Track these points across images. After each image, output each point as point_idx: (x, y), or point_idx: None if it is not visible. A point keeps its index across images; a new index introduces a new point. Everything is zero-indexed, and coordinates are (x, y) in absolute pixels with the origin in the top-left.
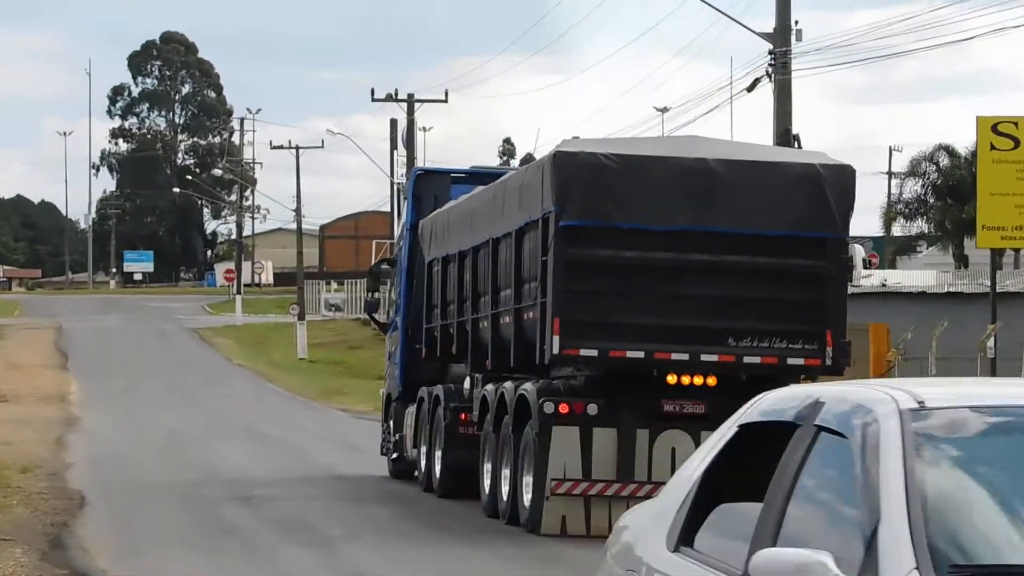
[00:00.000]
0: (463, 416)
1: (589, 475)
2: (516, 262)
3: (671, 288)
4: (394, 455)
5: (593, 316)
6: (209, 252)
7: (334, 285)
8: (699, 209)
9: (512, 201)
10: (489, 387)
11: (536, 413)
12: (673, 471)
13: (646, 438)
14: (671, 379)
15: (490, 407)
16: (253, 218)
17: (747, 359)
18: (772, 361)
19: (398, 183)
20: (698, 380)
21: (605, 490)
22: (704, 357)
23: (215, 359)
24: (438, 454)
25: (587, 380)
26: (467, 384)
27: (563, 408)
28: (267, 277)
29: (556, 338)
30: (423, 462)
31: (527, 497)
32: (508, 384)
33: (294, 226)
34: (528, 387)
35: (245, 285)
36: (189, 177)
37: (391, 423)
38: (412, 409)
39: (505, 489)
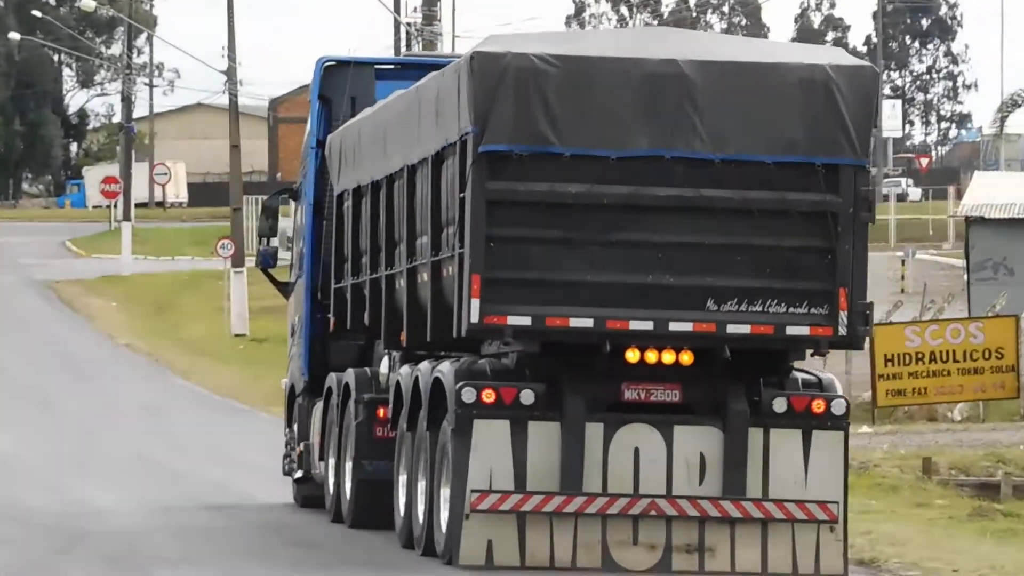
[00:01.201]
0: (380, 412)
1: (523, 486)
2: (433, 199)
3: (630, 234)
4: (298, 473)
5: (525, 272)
6: (74, 147)
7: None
8: (668, 128)
9: (428, 115)
10: (404, 370)
11: (453, 403)
12: (637, 479)
13: (599, 435)
14: (631, 356)
15: (404, 398)
16: (152, 86)
17: (732, 328)
18: (766, 331)
19: (410, 24)
20: (668, 357)
21: (543, 505)
22: (675, 326)
23: (86, 336)
24: (348, 467)
25: (520, 359)
26: (383, 367)
27: (487, 395)
28: (177, 191)
29: (475, 302)
30: (331, 480)
31: (443, 517)
32: (424, 365)
33: (224, 101)
34: (444, 368)
35: (138, 205)
36: (37, 14)
37: (294, 428)
38: (320, 406)
39: (420, 508)
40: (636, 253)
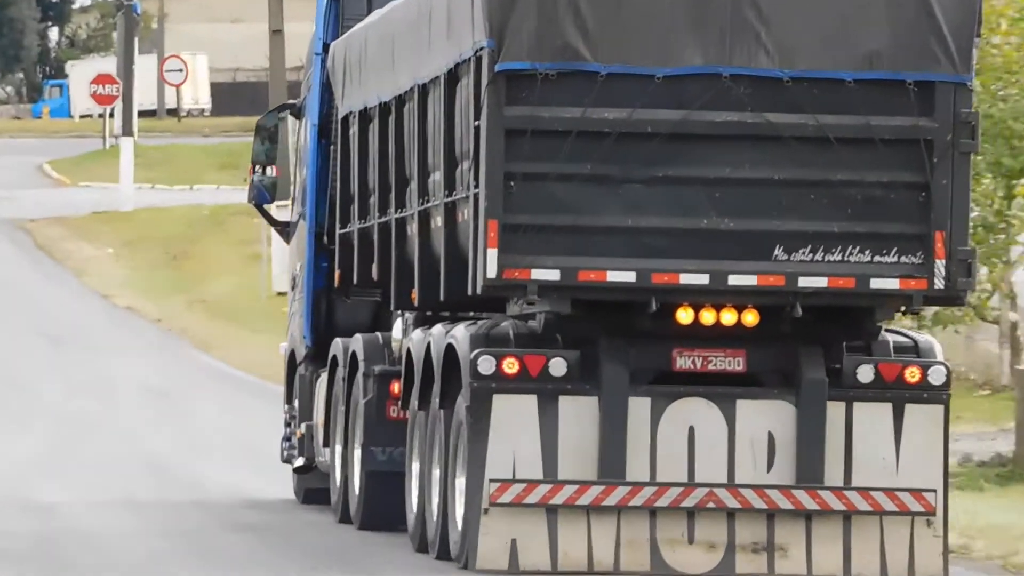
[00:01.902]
0: (395, 388)
1: (554, 473)
2: (447, 127)
3: (679, 168)
4: (298, 461)
5: (552, 216)
6: (54, 33)
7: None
8: (726, 40)
9: (439, 25)
10: (415, 335)
11: (468, 375)
12: (692, 465)
13: (646, 412)
14: (683, 316)
15: (415, 369)
16: None
17: (805, 281)
18: (846, 284)
19: None
20: (729, 317)
21: (579, 496)
22: (735, 279)
23: (73, 295)
24: (356, 455)
25: (549, 321)
26: (396, 331)
27: (509, 365)
28: (196, 94)
29: (492, 252)
30: (337, 471)
31: (458, 512)
32: (437, 330)
33: None
34: (458, 333)
35: (143, 115)
36: None
37: (295, 404)
38: (324, 379)
39: (435, 502)
40: (687, 192)
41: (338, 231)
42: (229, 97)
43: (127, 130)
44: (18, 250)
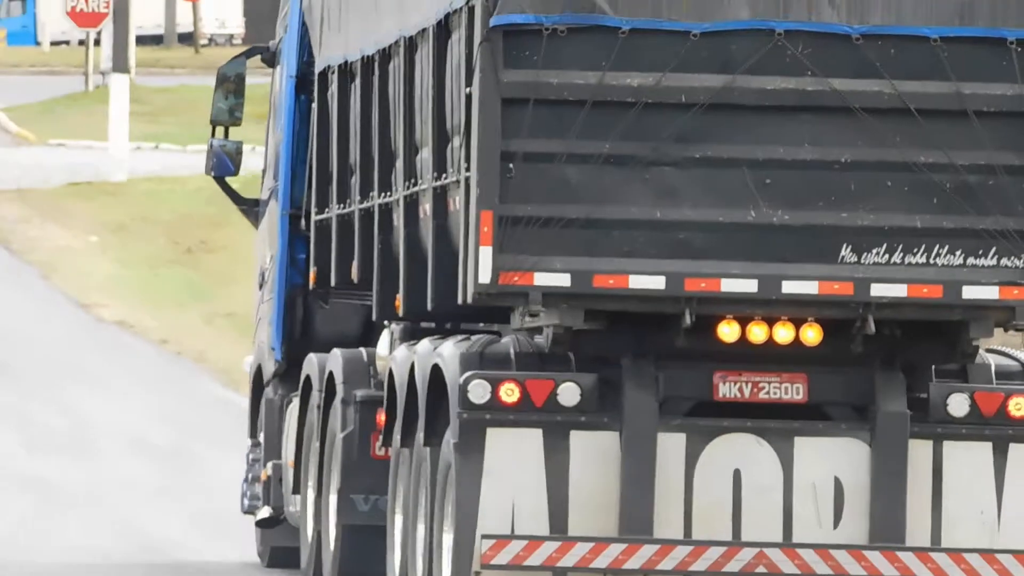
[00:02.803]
0: (380, 418)
1: (563, 528)
2: (437, 92)
3: (721, 147)
4: (263, 512)
5: (560, 206)
6: None
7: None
8: None
9: None
10: (399, 353)
11: (457, 403)
12: (738, 519)
13: (680, 451)
14: (726, 332)
15: (398, 395)
16: None
17: (880, 289)
18: (932, 292)
19: None
20: (784, 333)
21: (594, 558)
22: (791, 286)
23: (39, 303)
24: (332, 504)
25: (558, 337)
26: (381, 346)
27: (507, 392)
28: (223, 13)
29: (485, 251)
30: (309, 523)
31: (445, 572)
32: (423, 346)
33: None
34: (447, 351)
35: (143, 41)
36: None
37: (260, 437)
38: (296, 405)
39: (419, 566)
40: (731, 176)
41: (314, 217)
42: (270, 19)
43: (120, 64)
44: None
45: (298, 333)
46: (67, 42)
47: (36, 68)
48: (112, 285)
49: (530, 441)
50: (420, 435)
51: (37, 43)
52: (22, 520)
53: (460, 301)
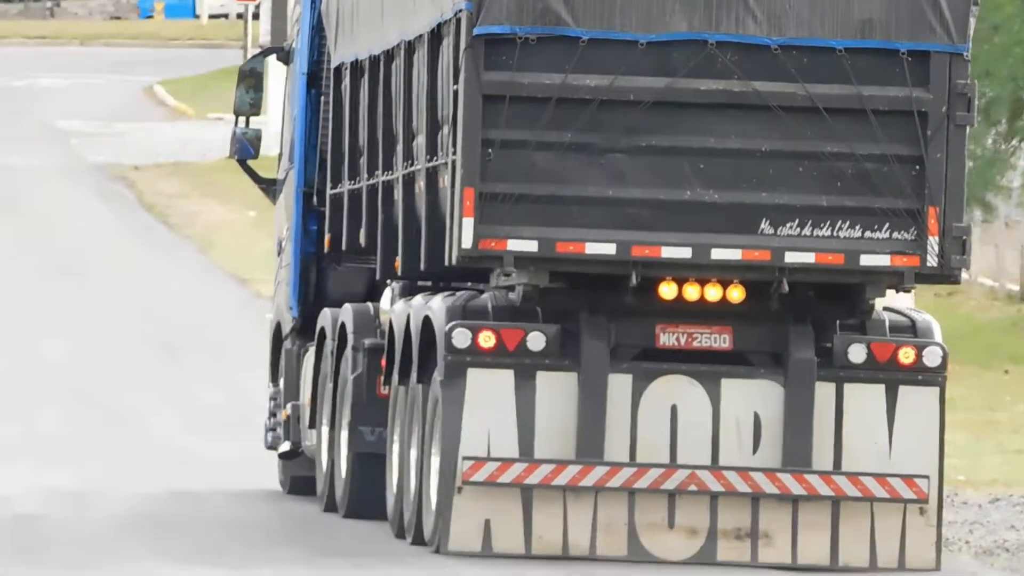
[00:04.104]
0: (384, 363)
1: (530, 452)
2: (430, 88)
3: (663, 137)
4: (284, 446)
5: (530, 185)
6: None
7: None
8: (710, 6)
9: None
10: (397, 307)
11: (443, 348)
12: (674, 446)
13: (627, 390)
14: (666, 291)
15: (396, 342)
16: None
17: (792, 256)
18: (835, 260)
19: None
20: (714, 292)
21: (555, 476)
22: (719, 253)
23: (198, 278)
24: (343, 437)
25: (528, 294)
26: (384, 302)
27: (484, 339)
28: None
29: (467, 222)
30: (323, 454)
31: (432, 493)
32: (417, 301)
33: None
34: (435, 305)
35: None
36: None
37: (280, 383)
38: (312, 354)
39: (412, 484)
40: (671, 162)
41: (329, 192)
42: None
43: (278, 38)
44: (116, 212)
45: (312, 293)
46: (225, 15)
47: (194, 41)
48: (271, 260)
49: (503, 380)
50: (413, 375)
51: (195, 16)
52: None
53: (447, 263)
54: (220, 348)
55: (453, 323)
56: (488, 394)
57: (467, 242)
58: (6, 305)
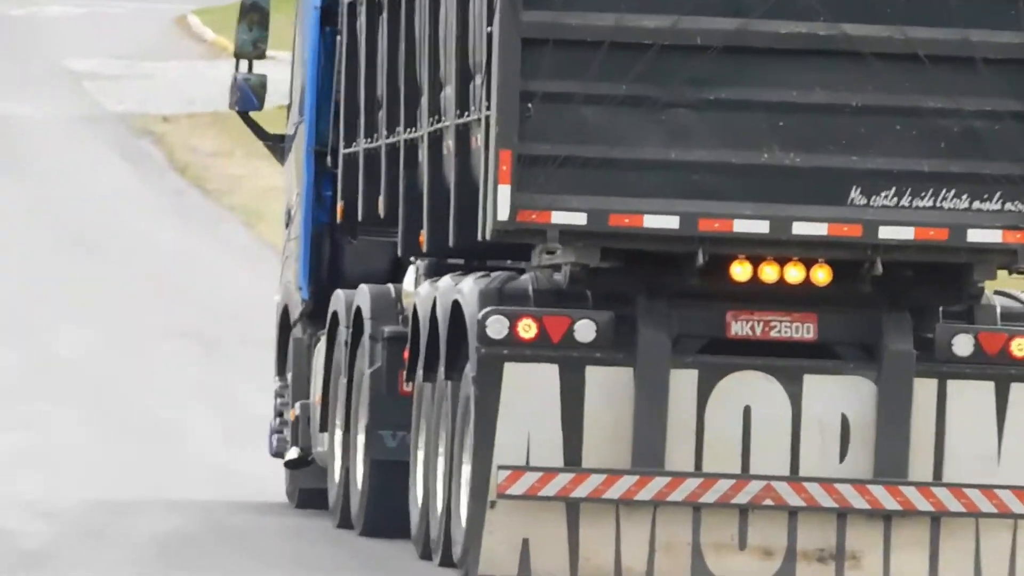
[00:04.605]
0: (408, 356)
1: (577, 460)
2: (460, 30)
3: (735, 90)
4: (291, 453)
5: (578, 146)
6: None
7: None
8: None
9: None
10: (423, 289)
11: (475, 338)
12: (747, 453)
13: (691, 388)
14: (739, 271)
15: (420, 331)
16: None
17: (888, 231)
18: (938, 235)
19: None
20: (795, 273)
21: (606, 488)
22: (801, 228)
23: (242, 255)
24: (359, 442)
25: (575, 275)
26: (407, 282)
27: (524, 328)
28: None
29: (504, 190)
30: (337, 462)
31: (463, 508)
32: (445, 282)
33: None
34: (466, 287)
35: None
36: None
37: (288, 377)
38: (324, 344)
39: (439, 497)
40: (744, 119)
41: (342, 151)
42: None
43: None
44: (141, 175)
45: (325, 271)
46: None
47: None
48: None
49: (546, 376)
50: (441, 369)
51: None
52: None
53: (480, 238)
54: (267, 343)
55: (487, 309)
56: (528, 392)
57: (503, 213)
58: (12, 288)
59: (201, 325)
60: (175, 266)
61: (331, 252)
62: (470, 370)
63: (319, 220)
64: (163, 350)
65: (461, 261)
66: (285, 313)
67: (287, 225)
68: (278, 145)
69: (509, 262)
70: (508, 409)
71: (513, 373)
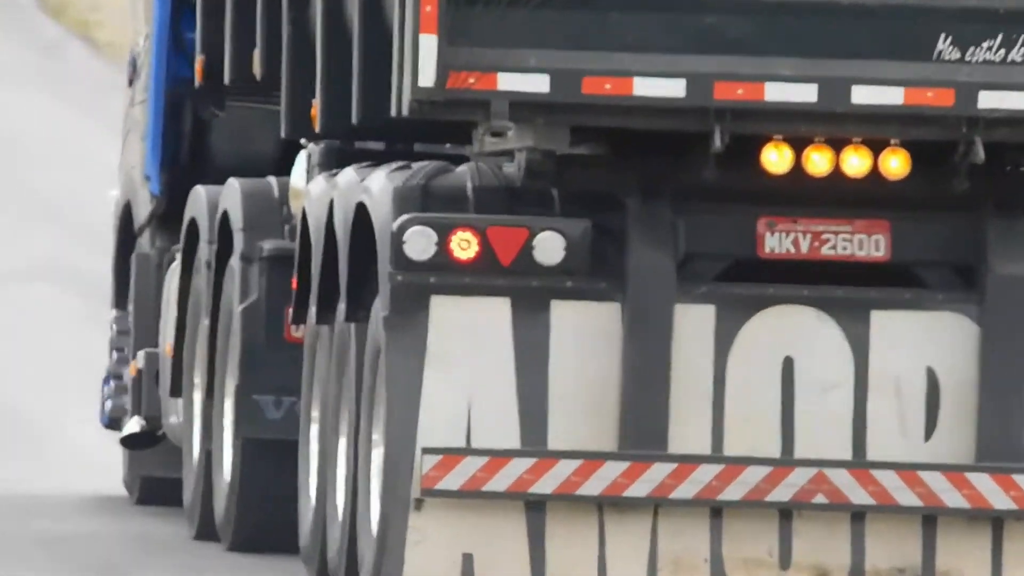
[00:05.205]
0: (297, 286)
1: (541, 439)
2: None
3: None
4: (130, 424)
5: None
6: None
7: None
8: None
9: None
10: (315, 186)
11: (390, 260)
12: (788, 426)
13: (707, 330)
14: (774, 161)
15: (313, 249)
16: None
17: (990, 98)
18: None
19: None
20: (855, 162)
21: (582, 480)
22: (864, 95)
23: None
24: (227, 410)
25: (534, 165)
26: (296, 176)
27: (460, 244)
28: None
29: (428, 41)
30: (196, 444)
31: (374, 508)
32: (346, 176)
33: None
34: (376, 184)
35: None
36: None
37: (130, 312)
38: (179, 267)
39: (340, 492)
40: None
41: None
42: None
43: None
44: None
45: (185, 153)
46: None
47: None
48: None
49: (493, 315)
50: (342, 307)
51: None
52: None
53: (393, 112)
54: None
55: (406, 217)
56: (467, 340)
57: (427, 77)
58: None
59: (88, 271)
60: (54, 171)
61: (194, 125)
62: (381, 307)
63: (178, 75)
64: (33, 304)
65: (374, 146)
66: (127, 215)
67: (131, 82)
68: None
69: (448, 147)
70: (438, 365)
71: (444, 311)
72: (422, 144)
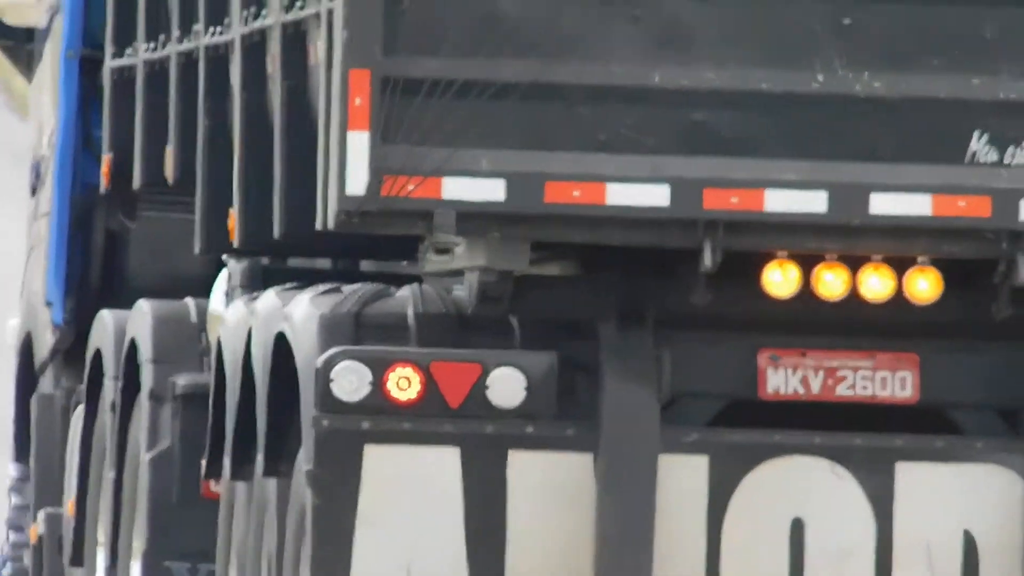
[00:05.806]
0: (212, 431)
1: None
2: None
3: None
4: None
5: (488, 64)
6: None
7: None
8: None
9: None
10: (232, 312)
11: (316, 402)
12: None
13: (701, 489)
14: (777, 280)
15: (228, 388)
16: None
17: None
18: None
19: None
20: (875, 283)
21: None
22: (884, 203)
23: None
24: (135, 572)
25: (487, 290)
26: (215, 298)
27: (400, 384)
28: None
29: (359, 139)
30: None
31: None
32: (266, 301)
33: None
34: (299, 310)
35: None
36: None
37: (31, 463)
38: (82, 410)
39: None
40: (782, 14)
41: (109, 63)
42: None
43: None
44: None
45: (95, 274)
46: None
47: None
48: None
49: (439, 467)
50: (259, 459)
51: None
52: None
53: (319, 224)
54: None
55: (335, 351)
56: (407, 498)
57: (358, 183)
58: None
59: None
60: None
61: (107, 242)
62: (305, 459)
63: (85, 181)
64: None
65: (304, 263)
66: (27, 348)
67: (33, 191)
68: (23, 47)
69: (405, 264)
70: (372, 527)
71: (380, 463)
72: (357, 261)
